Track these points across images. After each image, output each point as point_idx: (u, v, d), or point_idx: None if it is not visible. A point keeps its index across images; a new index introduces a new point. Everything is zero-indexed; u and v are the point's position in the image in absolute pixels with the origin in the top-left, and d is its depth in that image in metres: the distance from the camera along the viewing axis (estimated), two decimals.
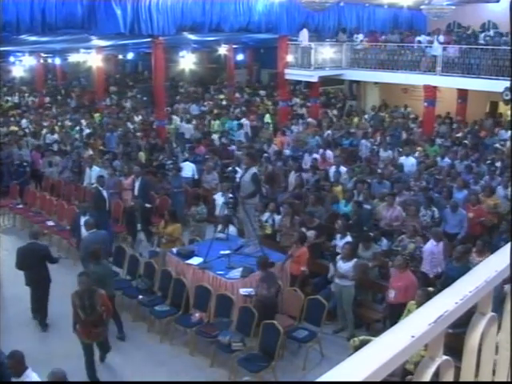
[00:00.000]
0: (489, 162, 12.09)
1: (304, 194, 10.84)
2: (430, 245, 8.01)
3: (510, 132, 15.08)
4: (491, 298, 1.26)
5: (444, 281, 7.12)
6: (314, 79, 18.58)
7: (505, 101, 14.98)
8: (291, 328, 7.11)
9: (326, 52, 18.59)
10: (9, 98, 25.73)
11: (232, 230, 9.12)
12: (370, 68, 18.41)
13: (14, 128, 18.03)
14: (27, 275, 8.00)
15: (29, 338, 7.65)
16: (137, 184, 10.93)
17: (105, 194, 10.53)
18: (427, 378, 1.08)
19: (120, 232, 10.90)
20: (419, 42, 17.73)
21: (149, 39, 16.07)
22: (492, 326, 1.27)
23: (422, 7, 16.28)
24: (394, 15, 21.06)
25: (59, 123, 19.33)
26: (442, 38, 17.07)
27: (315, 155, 13.31)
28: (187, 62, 24.22)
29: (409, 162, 12.32)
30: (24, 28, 12.67)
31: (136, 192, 10.85)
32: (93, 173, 12.14)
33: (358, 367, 0.90)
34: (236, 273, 7.57)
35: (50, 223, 11.24)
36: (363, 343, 5.05)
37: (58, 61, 28.83)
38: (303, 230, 8.89)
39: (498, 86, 14.36)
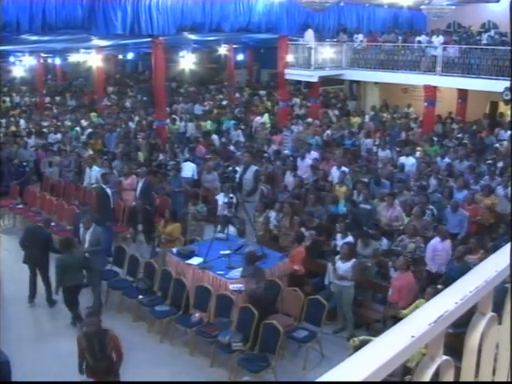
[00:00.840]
0: (489, 162, 12.11)
1: (305, 194, 10.83)
2: (435, 241, 8.06)
3: (509, 132, 15.09)
4: (491, 297, 1.26)
5: (445, 281, 7.13)
6: (314, 79, 18.58)
7: (505, 101, 14.97)
8: (291, 328, 7.11)
9: (326, 52, 18.60)
10: (8, 99, 25.71)
11: (231, 230, 9.12)
12: (370, 68, 18.40)
13: (13, 128, 18.05)
14: (27, 253, 8.49)
15: (29, 337, 7.66)
16: (139, 185, 10.94)
17: (109, 191, 10.58)
18: (427, 378, 1.08)
19: (120, 232, 10.90)
20: (419, 42, 17.73)
21: (149, 39, 16.08)
22: (492, 326, 1.27)
23: (422, 7, 16.28)
24: (393, 15, 21.07)
25: (59, 123, 19.34)
26: (441, 38, 17.07)
27: (309, 157, 13.13)
28: (187, 61, 24.22)
29: (409, 162, 12.33)
30: (24, 28, 12.67)
31: (138, 193, 10.87)
32: (93, 173, 12.15)
33: (358, 367, 0.90)
34: (236, 273, 7.57)
35: (50, 223, 11.22)
36: (363, 343, 5.06)
37: (58, 61, 28.86)
38: (303, 229, 8.90)
39: (498, 85, 14.36)
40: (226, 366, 6.82)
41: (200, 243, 8.81)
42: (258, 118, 19.21)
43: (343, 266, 7.54)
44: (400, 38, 18.86)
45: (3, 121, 19.17)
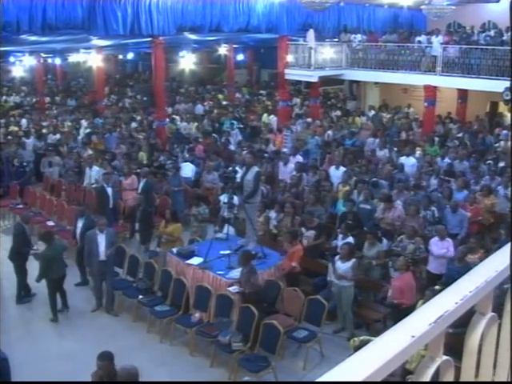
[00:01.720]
0: (489, 162, 12.10)
1: (306, 195, 10.82)
2: (434, 240, 8.10)
3: (508, 131, 15.09)
4: (491, 297, 1.26)
5: (445, 281, 7.13)
6: (314, 79, 18.57)
7: (505, 101, 14.96)
8: (291, 328, 7.11)
9: (326, 52, 18.59)
10: (8, 98, 25.72)
11: (230, 230, 9.10)
12: (370, 68, 18.40)
13: (13, 128, 18.04)
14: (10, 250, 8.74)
15: (29, 337, 7.66)
16: (140, 185, 10.94)
17: (109, 191, 10.57)
18: (427, 378, 1.08)
19: (120, 232, 10.89)
20: (419, 42, 17.73)
21: (149, 39, 16.08)
22: (492, 326, 1.27)
23: (422, 7, 16.27)
24: (393, 15, 21.07)
25: (59, 123, 19.34)
26: (440, 37, 17.07)
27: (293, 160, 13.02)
28: (187, 62, 24.22)
29: (409, 162, 12.33)
30: (24, 28, 12.66)
31: (139, 193, 10.87)
32: (93, 173, 12.15)
33: (358, 367, 0.90)
34: (236, 273, 7.57)
35: (50, 223, 11.23)
36: (363, 343, 5.05)
37: (58, 61, 28.86)
38: (303, 229, 8.90)
39: (498, 85, 14.35)
40: (226, 366, 6.81)
41: (200, 243, 8.82)
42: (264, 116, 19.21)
43: (343, 266, 7.54)
44: (398, 37, 18.86)
45: (3, 121, 19.16)
